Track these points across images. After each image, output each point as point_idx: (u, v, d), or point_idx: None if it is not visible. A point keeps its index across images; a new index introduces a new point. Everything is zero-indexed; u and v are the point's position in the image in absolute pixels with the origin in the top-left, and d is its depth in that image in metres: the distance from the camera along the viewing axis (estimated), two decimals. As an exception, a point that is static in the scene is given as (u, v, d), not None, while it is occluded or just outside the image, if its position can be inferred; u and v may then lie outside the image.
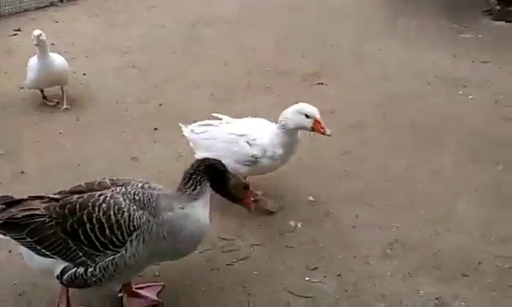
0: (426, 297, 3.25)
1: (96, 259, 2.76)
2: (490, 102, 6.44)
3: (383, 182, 4.60)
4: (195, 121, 4.42)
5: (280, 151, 3.90)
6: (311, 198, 4.28)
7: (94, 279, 2.78)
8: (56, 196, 2.90)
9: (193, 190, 2.92)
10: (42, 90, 6.14)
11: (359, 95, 6.69)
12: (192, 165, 3.01)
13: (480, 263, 3.55)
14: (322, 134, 3.82)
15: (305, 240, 3.76)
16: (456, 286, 3.32)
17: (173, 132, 5.48)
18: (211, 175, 3.00)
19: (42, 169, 4.68)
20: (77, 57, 7.79)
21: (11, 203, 2.90)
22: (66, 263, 2.79)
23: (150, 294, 3.20)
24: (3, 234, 2.86)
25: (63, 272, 2.79)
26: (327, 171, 4.75)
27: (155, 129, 5.54)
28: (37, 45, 5.65)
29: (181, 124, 4.43)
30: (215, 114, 4.45)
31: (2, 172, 4.58)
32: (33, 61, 5.92)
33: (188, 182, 2.95)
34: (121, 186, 2.92)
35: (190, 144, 4.36)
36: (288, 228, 3.91)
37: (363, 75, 7.44)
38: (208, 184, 3.00)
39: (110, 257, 2.75)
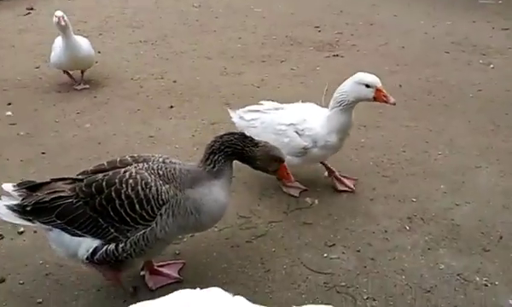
0: (446, 270, 3.24)
1: (128, 234, 2.80)
2: (511, 70, 6.27)
3: (400, 153, 4.56)
4: (242, 107, 4.21)
5: (333, 138, 3.71)
6: (326, 173, 4.26)
7: (125, 254, 2.83)
8: (80, 177, 2.91)
9: (212, 168, 2.93)
10: (68, 72, 6.11)
11: (375, 64, 6.57)
12: (211, 143, 3.00)
13: (501, 237, 3.51)
14: (385, 103, 3.58)
15: (323, 216, 3.77)
16: (477, 260, 3.31)
17: (187, 108, 5.51)
18: (230, 152, 2.96)
19: (62, 148, 4.74)
20: (90, 35, 7.77)
21: (34, 187, 2.90)
22: (97, 241, 2.82)
23: (171, 272, 3.26)
24: (31, 221, 2.84)
25: (94, 252, 2.83)
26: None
27: (171, 107, 5.54)
28: (59, 27, 5.57)
29: (229, 110, 4.31)
30: (262, 102, 4.26)
31: (24, 153, 4.66)
32: (58, 42, 5.87)
33: (207, 159, 2.95)
34: (143, 162, 2.95)
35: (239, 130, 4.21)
36: (304, 204, 3.92)
37: (378, 44, 7.30)
38: (227, 162, 2.98)
39: (141, 232, 2.80)
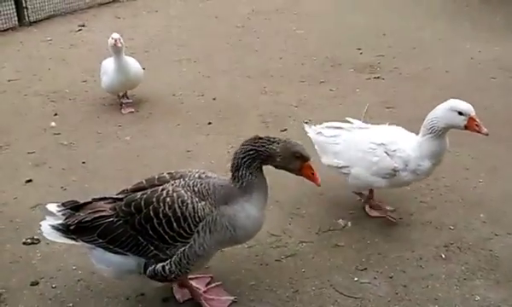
0: (482, 302, 3.09)
1: (167, 252, 2.85)
2: (560, 96, 6.00)
3: (440, 179, 4.41)
4: (308, 122, 4.17)
5: (427, 163, 3.53)
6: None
7: (173, 275, 2.90)
8: (120, 196, 2.99)
9: (241, 184, 2.90)
10: (119, 95, 6.13)
11: (417, 88, 6.45)
12: (232, 159, 2.93)
13: (543, 270, 3.33)
14: (478, 132, 3.38)
15: (355, 239, 3.69)
16: (516, 294, 3.14)
17: (224, 125, 5.59)
18: (248, 161, 2.87)
19: (102, 159, 4.91)
20: (136, 52, 8.07)
21: (77, 207, 3.00)
22: (140, 259, 2.89)
23: (199, 285, 3.28)
24: (75, 240, 2.93)
25: (145, 268, 2.91)
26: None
27: (209, 123, 5.64)
28: (115, 49, 5.59)
29: (304, 124, 4.21)
30: (348, 118, 4.12)
31: (66, 162, 4.85)
32: (108, 65, 5.86)
33: (234, 177, 2.93)
34: (179, 178, 2.98)
35: (315, 147, 4.03)
36: (337, 226, 3.86)
37: (421, 67, 7.16)
38: (255, 173, 2.88)
39: (181, 249, 2.83)
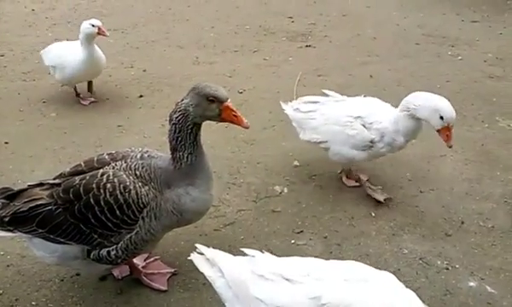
0: (409, 255, 3.31)
1: (112, 239, 2.72)
2: (479, 61, 6.42)
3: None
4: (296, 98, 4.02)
5: (400, 139, 3.54)
6: (296, 162, 4.29)
7: (119, 259, 2.78)
8: (57, 181, 2.79)
9: (180, 166, 2.74)
10: (75, 87, 5.39)
11: (347, 55, 6.62)
12: (168, 140, 2.77)
13: (463, 223, 3.61)
14: (444, 141, 3.39)
15: (291, 204, 3.79)
16: (439, 245, 3.39)
17: (157, 98, 5.45)
18: (181, 137, 2.70)
19: (26, 138, 4.62)
20: (58, 23, 7.60)
21: (12, 196, 2.77)
22: (84, 247, 2.74)
23: (138, 260, 3.20)
24: (11, 231, 2.71)
25: (88, 253, 2.76)
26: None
27: (141, 96, 5.47)
28: (90, 37, 4.94)
29: (281, 102, 4.10)
30: (324, 91, 4.07)
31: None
32: (67, 52, 5.07)
33: (174, 159, 2.78)
34: (121, 160, 2.83)
35: (293, 124, 4.01)
36: (273, 192, 3.93)
37: (350, 35, 7.35)
38: (193, 154, 2.73)
39: (127, 236, 2.72)
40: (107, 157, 2.87)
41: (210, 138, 4.49)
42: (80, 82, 5.34)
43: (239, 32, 7.42)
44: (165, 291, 3.02)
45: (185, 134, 2.73)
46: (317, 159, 4.32)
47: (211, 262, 2.48)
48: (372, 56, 6.61)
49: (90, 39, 4.98)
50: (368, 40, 7.18)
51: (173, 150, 2.78)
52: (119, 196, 2.66)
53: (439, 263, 3.24)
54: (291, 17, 8.02)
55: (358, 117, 3.63)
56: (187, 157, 2.76)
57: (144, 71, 6.09)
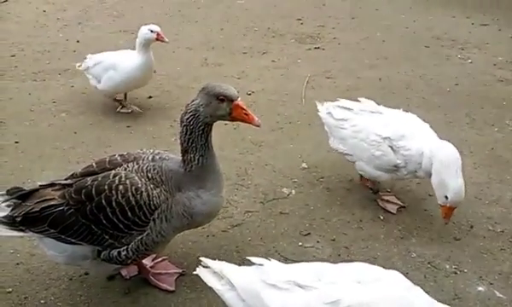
0: (418, 259, 3.29)
1: (123, 240, 2.74)
2: (488, 65, 6.38)
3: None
4: (328, 101, 3.87)
5: (421, 174, 3.42)
6: (304, 164, 4.29)
7: (129, 260, 2.80)
8: (69, 181, 2.79)
9: (191, 168, 2.76)
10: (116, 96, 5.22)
11: (356, 58, 6.61)
12: (180, 142, 2.79)
13: (472, 227, 3.59)
14: (442, 217, 3.32)
15: (299, 206, 3.79)
16: (448, 249, 3.37)
17: (165, 98, 5.48)
18: (192, 139, 2.72)
19: (36, 138, 4.65)
20: (69, 24, 7.67)
21: (24, 196, 2.78)
22: (94, 247, 2.76)
23: (146, 260, 3.20)
24: (23, 231, 2.72)
25: (99, 253, 2.77)
26: (320, 136, 4.73)
27: (150, 97, 5.50)
28: (148, 42, 4.82)
29: (317, 102, 3.96)
30: (361, 99, 3.88)
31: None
32: (128, 60, 4.89)
33: (184, 161, 2.79)
34: (132, 161, 2.84)
35: (325, 128, 3.89)
36: (281, 194, 3.93)
37: (359, 37, 7.33)
38: (204, 157, 2.75)
39: (138, 238, 2.74)
40: (118, 158, 2.88)
41: (218, 140, 4.48)
42: (131, 89, 5.21)
43: (248, 34, 7.44)
44: (172, 291, 3.03)
45: (196, 135, 2.74)
46: (325, 161, 4.32)
47: (218, 274, 2.45)
48: (381, 59, 6.59)
49: (147, 45, 4.86)
50: (377, 43, 7.16)
51: (184, 152, 2.79)
52: (131, 198, 2.67)
53: (447, 267, 3.22)
54: (300, 19, 8.02)
55: (387, 138, 3.44)
56: (198, 159, 2.77)
57: (154, 72, 6.10)
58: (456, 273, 3.18)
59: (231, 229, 3.55)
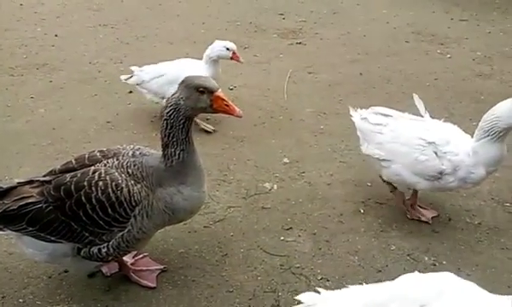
0: (397, 251, 3.34)
1: (103, 237, 2.71)
2: (467, 60, 6.47)
3: (357, 141, 4.62)
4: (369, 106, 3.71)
5: (481, 171, 3.22)
6: (286, 159, 4.30)
7: (110, 257, 2.78)
8: (47, 178, 2.75)
9: (171, 164, 2.72)
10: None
11: (337, 53, 6.64)
12: (161, 137, 2.74)
13: (450, 219, 3.65)
14: None
15: (281, 201, 3.80)
16: (426, 241, 3.42)
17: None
18: (173, 133, 2.69)
19: (14, 134, 4.57)
20: (47, 18, 7.53)
21: (1, 194, 2.74)
22: (74, 245, 2.73)
23: (126, 257, 3.18)
24: (1, 229, 2.71)
25: (79, 250, 2.74)
26: (302, 131, 4.76)
27: (130, 92, 5.43)
28: (216, 58, 4.49)
29: (350, 107, 3.80)
30: (415, 96, 3.77)
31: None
32: (196, 73, 4.11)
33: (165, 156, 2.76)
34: (112, 157, 2.80)
35: (358, 133, 3.72)
36: (263, 189, 3.94)
37: (341, 32, 7.36)
38: (184, 151, 2.72)
39: (119, 234, 2.71)
40: (98, 154, 2.84)
41: (200, 135, 4.49)
42: None
43: (230, 29, 7.40)
44: (153, 288, 3.01)
45: (177, 129, 2.71)
46: (306, 156, 4.35)
47: None
48: (362, 54, 6.63)
49: (218, 61, 4.55)
50: (358, 38, 7.20)
51: (165, 147, 2.76)
52: (111, 194, 2.65)
53: (426, 259, 3.28)
54: (282, 14, 8.02)
55: (432, 142, 3.29)
56: (179, 154, 2.74)
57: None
58: (434, 265, 3.23)
59: (213, 225, 3.55)
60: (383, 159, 3.50)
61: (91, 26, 7.28)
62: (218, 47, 4.44)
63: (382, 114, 3.59)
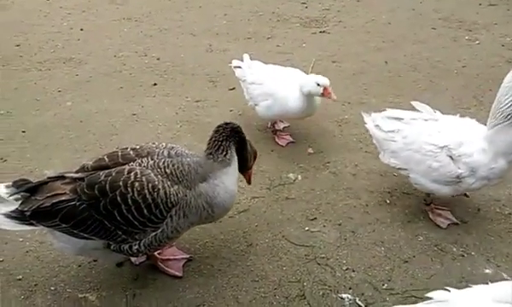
0: (425, 242, 3.29)
1: (136, 236, 2.74)
2: (496, 46, 6.28)
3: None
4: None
5: (501, 163, 3.02)
6: (310, 150, 4.28)
7: (140, 254, 2.83)
8: (79, 175, 2.74)
9: (225, 155, 2.86)
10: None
11: (361, 41, 6.54)
12: (218, 130, 2.89)
13: (479, 210, 3.57)
14: None
15: (305, 191, 3.78)
16: (455, 232, 3.36)
17: (170, 86, 5.47)
18: (237, 139, 2.95)
19: (43, 127, 4.68)
20: (73, 13, 7.66)
21: (32, 189, 2.74)
22: (105, 242, 2.77)
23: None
24: (33, 225, 2.71)
25: (109, 245, 2.78)
26: (326, 121, 4.72)
27: (154, 84, 5.49)
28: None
29: (363, 113, 3.66)
30: (414, 103, 3.55)
31: (4, 131, 4.59)
32: (291, 97, 4.08)
33: (219, 147, 2.86)
34: (146, 156, 2.80)
35: (373, 141, 3.60)
36: (287, 180, 3.92)
37: (365, 20, 7.25)
38: (234, 149, 2.94)
39: (152, 234, 2.74)
40: (131, 153, 2.83)
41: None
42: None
43: (252, 19, 7.38)
44: (180, 277, 3.05)
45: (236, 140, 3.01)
46: (330, 146, 4.31)
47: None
48: (387, 42, 6.51)
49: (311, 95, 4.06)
50: (382, 25, 7.08)
51: (222, 140, 2.90)
52: (148, 196, 2.65)
53: (454, 250, 3.22)
54: (304, 3, 7.94)
55: (445, 146, 3.12)
56: (232, 146, 2.94)
57: (158, 59, 6.10)
58: (463, 256, 3.17)
59: (238, 215, 3.56)
60: (400, 168, 3.37)
61: (116, 20, 7.37)
62: (309, 82, 4.01)
63: (395, 118, 3.40)
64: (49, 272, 3.09)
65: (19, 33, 6.82)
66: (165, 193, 2.68)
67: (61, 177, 2.78)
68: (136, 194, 2.63)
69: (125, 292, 2.96)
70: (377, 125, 3.47)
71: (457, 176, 3.11)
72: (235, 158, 2.97)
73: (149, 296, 2.94)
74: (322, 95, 3.97)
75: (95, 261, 3.17)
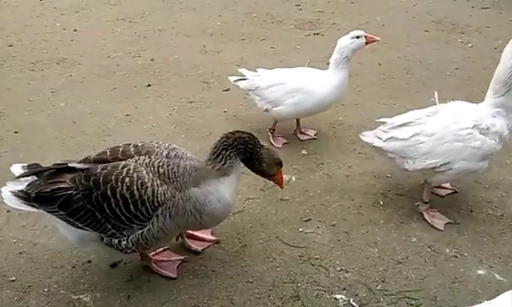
0: (418, 243, 3.31)
1: (124, 232, 2.77)
2: (489, 49, 6.34)
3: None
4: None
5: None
6: (304, 151, 4.29)
7: (129, 250, 2.84)
8: (82, 166, 2.83)
9: (223, 165, 2.82)
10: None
11: (355, 43, 6.56)
12: (222, 139, 2.87)
13: (471, 211, 3.60)
14: None
15: (299, 193, 3.79)
16: (448, 233, 3.38)
17: (164, 87, 5.46)
18: (242, 150, 2.87)
19: (36, 128, 4.65)
20: (66, 13, 7.64)
21: (40, 173, 2.87)
22: (99, 234, 2.81)
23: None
24: (36, 208, 2.82)
25: (102, 238, 2.83)
26: (320, 122, 4.73)
27: (148, 85, 5.48)
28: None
29: (361, 136, 3.54)
30: (435, 101, 3.55)
31: (-4, 132, 4.57)
32: (324, 82, 4.14)
33: (218, 155, 2.83)
34: (145, 155, 2.84)
35: (389, 155, 3.43)
36: (282, 180, 3.93)
37: (359, 22, 7.28)
38: (237, 160, 2.87)
39: (139, 232, 2.77)
40: (132, 149, 2.89)
41: (217, 127, 4.50)
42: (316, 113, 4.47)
43: (246, 21, 7.39)
44: (174, 278, 3.05)
45: (235, 157, 2.91)
46: (324, 147, 4.33)
47: None
48: (380, 44, 6.51)
49: (350, 58, 4.13)
50: (376, 27, 7.11)
51: (222, 149, 2.85)
52: (135, 192, 2.69)
53: (447, 251, 3.24)
54: (298, 5, 7.97)
55: (474, 125, 3.27)
56: (233, 157, 2.86)
57: (152, 60, 6.10)
58: (456, 257, 3.19)
59: (232, 216, 3.56)
60: (440, 165, 3.30)
61: (109, 21, 7.35)
62: (346, 42, 4.03)
63: (405, 124, 3.38)
64: (42, 273, 3.08)
65: (12, 34, 6.79)
66: (153, 191, 2.71)
67: (66, 167, 2.86)
68: (124, 190, 2.69)
69: (119, 294, 2.96)
70: (391, 137, 3.38)
71: (494, 148, 3.30)
72: (237, 168, 2.90)
73: (144, 297, 2.93)
74: (366, 43, 4.07)
75: (89, 262, 3.16)
